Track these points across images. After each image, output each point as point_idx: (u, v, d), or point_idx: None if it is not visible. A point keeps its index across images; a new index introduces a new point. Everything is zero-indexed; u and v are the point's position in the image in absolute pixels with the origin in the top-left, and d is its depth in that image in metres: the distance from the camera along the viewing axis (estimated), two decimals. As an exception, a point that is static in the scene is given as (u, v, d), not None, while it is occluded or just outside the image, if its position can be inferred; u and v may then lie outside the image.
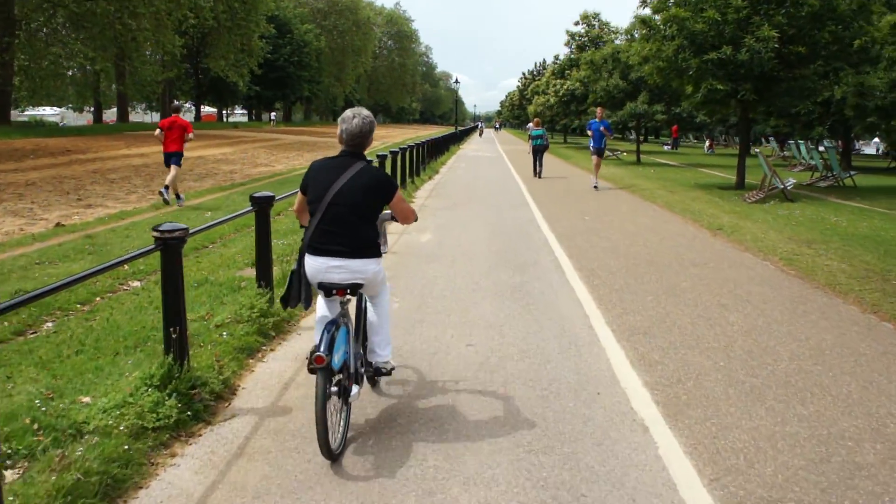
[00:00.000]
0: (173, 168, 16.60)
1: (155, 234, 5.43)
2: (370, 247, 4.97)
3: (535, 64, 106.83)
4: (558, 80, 53.20)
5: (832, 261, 11.19)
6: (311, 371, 4.54)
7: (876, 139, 61.04)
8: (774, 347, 7.10)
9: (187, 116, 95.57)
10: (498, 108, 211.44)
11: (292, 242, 11.63)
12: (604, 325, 7.82)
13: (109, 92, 68.83)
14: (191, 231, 5.78)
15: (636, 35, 36.26)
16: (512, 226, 15.03)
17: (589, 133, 23.94)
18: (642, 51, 22.29)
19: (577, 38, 55.75)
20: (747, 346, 7.14)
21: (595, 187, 22.85)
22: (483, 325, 7.76)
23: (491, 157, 44.11)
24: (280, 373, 6.38)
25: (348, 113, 4.97)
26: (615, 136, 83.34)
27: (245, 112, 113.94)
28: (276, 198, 8.18)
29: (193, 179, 23.67)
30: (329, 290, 4.93)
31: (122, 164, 28.13)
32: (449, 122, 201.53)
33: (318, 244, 4.89)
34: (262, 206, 7.90)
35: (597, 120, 23.38)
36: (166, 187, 16.49)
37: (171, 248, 5.47)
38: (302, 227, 5.28)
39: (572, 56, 55.18)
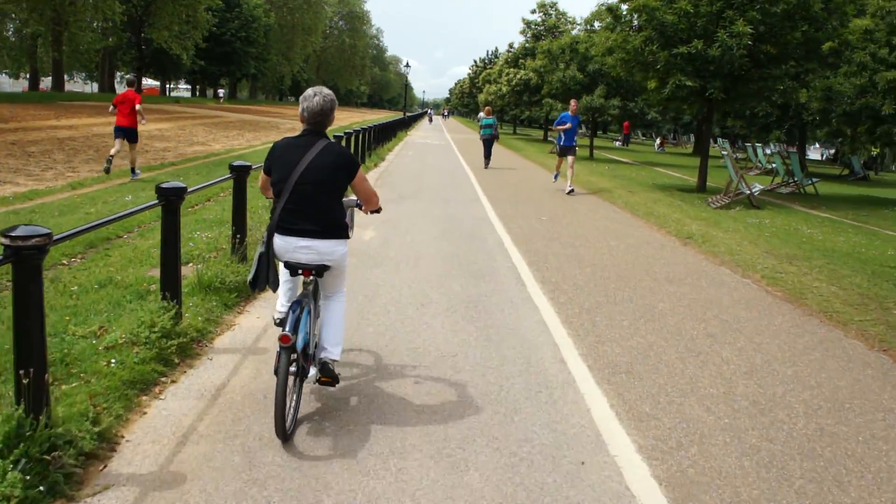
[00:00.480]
0: (122, 143, 16.84)
1: (3, 241, 3.95)
2: (339, 228, 4.95)
3: (487, 52, 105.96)
4: (512, 69, 51.84)
5: (820, 282, 10.08)
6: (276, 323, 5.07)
7: (815, 145, 61.04)
8: (784, 397, 5.90)
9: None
10: (447, 95, 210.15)
11: (218, 235, 10.13)
12: (577, 358, 6.55)
13: (47, 58, 66.02)
14: (77, 230, 4.83)
15: (597, 25, 35.42)
16: (464, 224, 13.75)
17: (558, 128, 20.36)
18: (606, 41, 21.10)
19: (533, 26, 54.39)
20: (751, 393, 5.94)
21: (571, 191, 19.54)
22: (434, 354, 6.44)
23: (439, 145, 42.76)
24: (179, 417, 4.99)
25: (310, 91, 4.94)
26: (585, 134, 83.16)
27: (189, 87, 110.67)
28: (188, 190, 6.56)
29: (121, 157, 21.97)
30: (295, 269, 4.95)
31: (46, 135, 26.17)
32: (397, 107, 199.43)
33: (286, 224, 4.84)
34: (171, 201, 6.31)
35: (570, 113, 20.19)
36: (111, 157, 16.96)
37: (25, 260, 4.01)
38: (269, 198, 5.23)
39: (527, 45, 53.91)
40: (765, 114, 29.83)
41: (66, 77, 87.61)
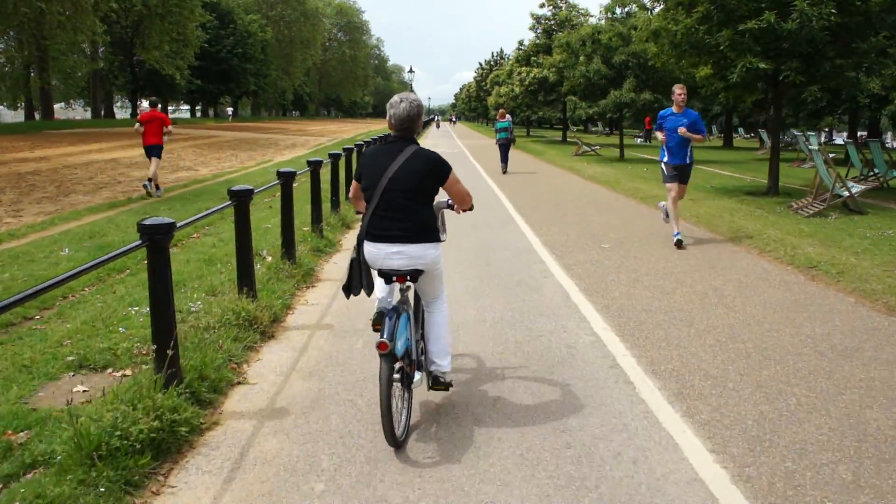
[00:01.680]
0: (154, 160, 17.72)
1: None
2: (429, 231, 4.91)
3: (493, 53, 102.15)
4: (524, 68, 48.30)
5: None
6: (374, 325, 4.95)
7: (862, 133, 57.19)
8: None
9: (123, 112, 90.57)
10: (453, 101, 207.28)
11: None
12: None
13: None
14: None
15: (619, 12, 31.99)
16: (505, 263, 10.34)
17: (658, 136, 11.83)
18: (649, 24, 17.67)
19: (543, 21, 50.84)
20: None
21: (679, 242, 11.43)
22: None
23: (452, 153, 39.31)
24: None
25: (396, 98, 4.94)
26: (579, 129, 78.65)
27: (189, 108, 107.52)
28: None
29: (88, 191, 18.78)
30: (389, 276, 4.93)
31: (6, 170, 22.93)
32: None
33: (375, 230, 4.86)
34: (157, 240, 5.03)
35: (676, 111, 11.50)
36: (149, 180, 17.65)
37: None
38: (357, 213, 5.33)
39: (538, 41, 50.38)
40: (814, 98, 26.12)
41: (62, 104, 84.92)
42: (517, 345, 6.72)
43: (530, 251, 11.23)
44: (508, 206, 16.45)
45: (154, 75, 74.86)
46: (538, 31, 50.42)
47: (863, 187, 15.82)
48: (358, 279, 5.02)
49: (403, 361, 4.73)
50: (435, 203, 5.15)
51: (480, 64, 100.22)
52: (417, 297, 5.34)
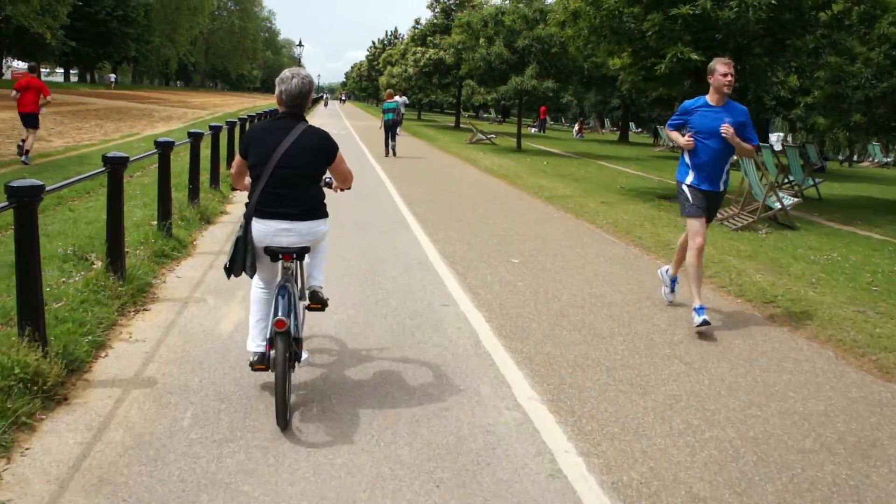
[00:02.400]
0: (31, 131, 17.03)
1: None
2: (318, 208, 4.93)
3: (387, 32, 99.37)
4: (419, 48, 46.03)
5: None
6: (254, 366, 4.87)
7: (778, 133, 57.11)
8: None
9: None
10: (343, 80, 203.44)
11: None
12: None
13: None
14: None
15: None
16: (395, 282, 8.35)
17: (677, 139, 7.56)
18: (566, 5, 15.85)
19: (441, 0, 48.55)
20: None
21: (703, 324, 6.86)
22: None
23: (338, 135, 36.97)
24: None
25: (287, 73, 4.85)
26: (470, 115, 76.71)
27: (63, 71, 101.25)
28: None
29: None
30: (276, 254, 4.82)
31: None
32: None
33: (265, 207, 4.76)
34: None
35: (714, 103, 7.21)
36: (26, 150, 16.81)
37: None
38: (234, 189, 5.74)
39: (436, 21, 48.13)
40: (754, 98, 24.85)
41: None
42: (412, 427, 4.70)
43: (426, 266, 9.24)
44: (399, 203, 14.42)
45: (23, 33, 69.49)
46: (436, 10, 48.17)
47: (795, 200, 14.28)
48: (241, 259, 4.85)
49: (293, 340, 4.65)
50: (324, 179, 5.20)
51: (373, 42, 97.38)
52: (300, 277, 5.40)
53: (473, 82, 29.86)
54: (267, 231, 4.78)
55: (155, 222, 9.72)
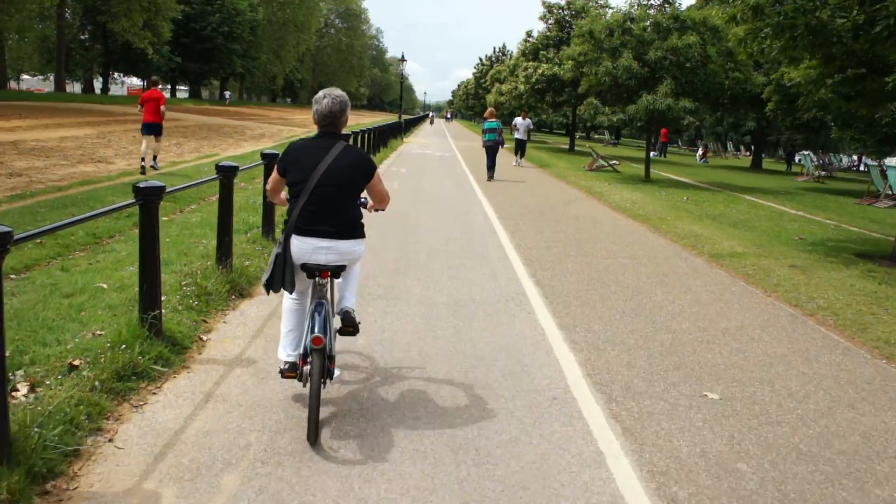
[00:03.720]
0: (150, 139, 18.11)
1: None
2: (357, 227, 5.01)
3: (494, 49, 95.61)
4: (531, 63, 42.03)
5: None
6: (284, 373, 4.96)
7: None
8: None
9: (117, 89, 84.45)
10: (450, 97, 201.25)
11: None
12: None
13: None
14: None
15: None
16: (513, 447, 4.54)
17: None
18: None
19: (555, 10, 44.37)
20: None
21: None
22: None
23: (442, 157, 33.40)
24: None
25: (320, 94, 4.97)
26: (613, 142, 71.76)
27: (170, 87, 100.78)
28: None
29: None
30: (313, 271, 4.92)
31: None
32: (401, 110, 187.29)
33: (305, 225, 4.85)
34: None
35: None
36: (148, 159, 18.17)
37: None
38: (271, 202, 6.04)
39: (549, 33, 44.01)
40: (893, 120, 20.24)
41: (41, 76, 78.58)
42: None
43: (566, 407, 5.42)
44: (515, 261, 10.60)
45: (128, 49, 68.57)
46: (550, 21, 44.04)
47: None
48: (280, 275, 4.93)
49: (327, 357, 4.74)
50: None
51: (481, 59, 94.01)
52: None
53: (596, 100, 25.77)
54: (306, 248, 4.87)
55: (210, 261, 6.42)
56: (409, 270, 9.57)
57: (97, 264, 8.88)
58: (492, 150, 22.98)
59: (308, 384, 4.63)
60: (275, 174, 5.11)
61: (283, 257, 4.90)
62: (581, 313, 7.95)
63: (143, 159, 18.02)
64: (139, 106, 18.46)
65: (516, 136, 28.58)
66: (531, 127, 26.41)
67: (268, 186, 5.42)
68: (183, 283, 7.44)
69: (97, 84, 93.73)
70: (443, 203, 16.65)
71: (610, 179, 25.54)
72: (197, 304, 7.00)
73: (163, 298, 6.25)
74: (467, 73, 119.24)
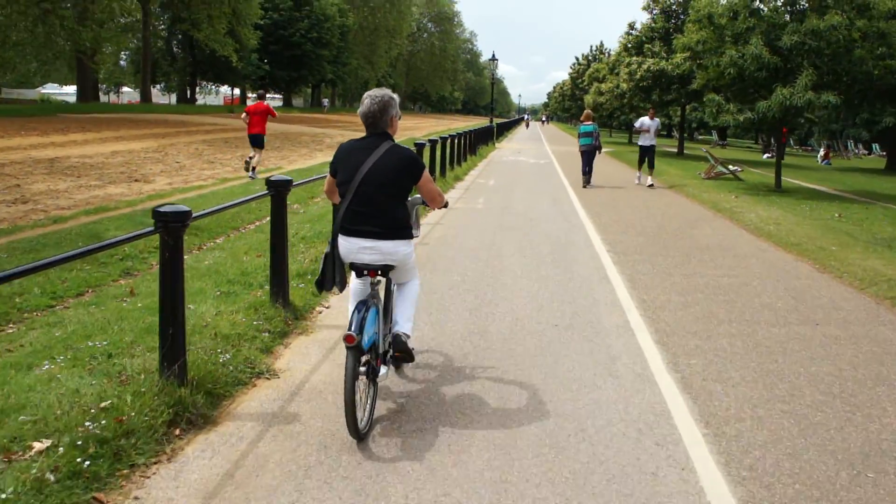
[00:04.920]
0: (256, 151, 19.41)
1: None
2: (401, 228, 4.96)
3: (591, 47, 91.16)
4: (634, 58, 37.92)
5: None
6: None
7: None
8: None
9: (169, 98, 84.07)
10: (545, 100, 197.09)
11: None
12: None
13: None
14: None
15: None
16: None
17: None
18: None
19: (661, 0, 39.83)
20: None
21: None
22: None
23: (537, 164, 29.88)
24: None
25: (364, 95, 4.95)
26: (721, 143, 66.19)
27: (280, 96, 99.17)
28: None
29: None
30: (361, 270, 4.98)
31: None
32: (493, 113, 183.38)
33: (349, 225, 4.89)
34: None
35: None
36: (251, 167, 19.35)
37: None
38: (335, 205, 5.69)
39: (654, 24, 39.71)
40: None
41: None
42: None
43: None
44: (640, 332, 7.12)
45: (214, 58, 66.89)
46: (654, 11, 39.63)
47: None
48: (331, 274, 5.02)
49: (370, 355, 4.76)
50: (412, 199, 5.33)
51: (577, 59, 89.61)
52: (388, 291, 5.49)
53: (719, 97, 21.76)
54: (351, 248, 4.91)
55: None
56: (480, 364, 6.19)
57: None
58: (588, 155, 21.67)
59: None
60: (329, 176, 5.15)
61: (332, 256, 4.99)
62: (775, 472, 4.44)
63: (253, 168, 19.21)
64: (245, 115, 19.66)
65: (643, 142, 22.41)
66: (659, 128, 22.65)
67: (325, 189, 5.38)
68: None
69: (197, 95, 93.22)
70: (536, 229, 13.19)
71: (735, 189, 21.58)
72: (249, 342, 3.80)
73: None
74: (563, 76, 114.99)
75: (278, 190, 6.86)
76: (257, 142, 19.24)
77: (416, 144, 16.83)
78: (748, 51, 19.89)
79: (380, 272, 4.94)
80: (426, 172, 5.00)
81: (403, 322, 5.17)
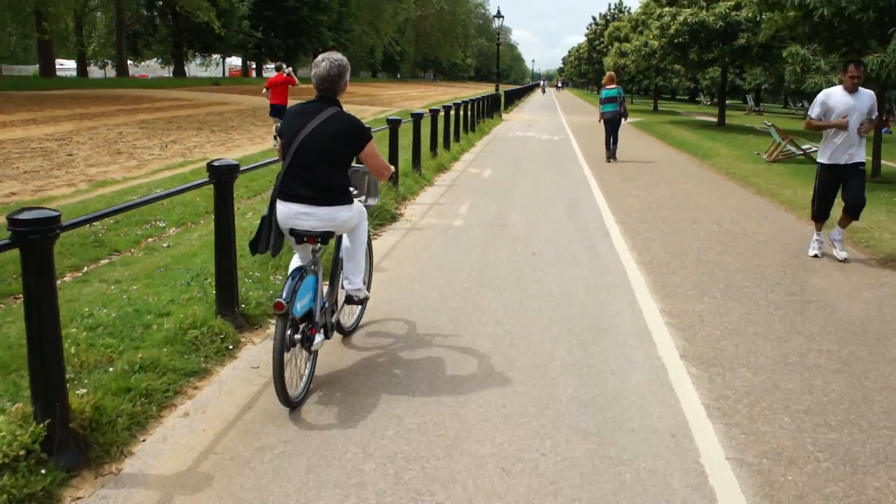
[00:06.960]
0: (276, 120, 19.18)
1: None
2: (339, 193, 4.82)
3: (609, 5, 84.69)
4: (667, 9, 31.42)
5: None
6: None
7: None
8: None
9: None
10: (560, 65, 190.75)
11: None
12: None
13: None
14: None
15: None
16: None
17: None
18: None
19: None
20: None
21: None
22: None
23: (550, 141, 24.09)
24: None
25: (319, 57, 4.82)
26: (756, 109, 59.02)
27: (255, 66, 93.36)
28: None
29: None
30: (300, 236, 4.84)
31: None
32: (508, 80, 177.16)
33: (287, 189, 4.76)
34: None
35: None
36: (275, 137, 18.53)
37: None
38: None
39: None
40: None
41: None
42: None
43: None
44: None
45: (198, 26, 60.94)
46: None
47: None
48: (266, 237, 4.84)
49: (304, 323, 4.65)
50: (361, 167, 5.26)
51: (594, 18, 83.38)
52: (335, 260, 5.40)
53: (804, 50, 15.76)
54: (288, 213, 4.73)
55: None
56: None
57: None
58: (612, 124, 19.01)
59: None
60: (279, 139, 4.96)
61: (270, 221, 4.80)
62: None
63: (275, 137, 18.34)
64: (265, 90, 20.30)
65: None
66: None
67: (277, 150, 5.11)
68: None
69: (195, 66, 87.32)
70: (541, 270, 7.61)
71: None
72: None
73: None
74: (579, 40, 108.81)
75: (221, 178, 5.57)
76: (279, 112, 18.90)
77: (388, 121, 12.38)
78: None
79: (319, 239, 4.81)
80: (371, 144, 4.85)
81: (353, 278, 5.17)
